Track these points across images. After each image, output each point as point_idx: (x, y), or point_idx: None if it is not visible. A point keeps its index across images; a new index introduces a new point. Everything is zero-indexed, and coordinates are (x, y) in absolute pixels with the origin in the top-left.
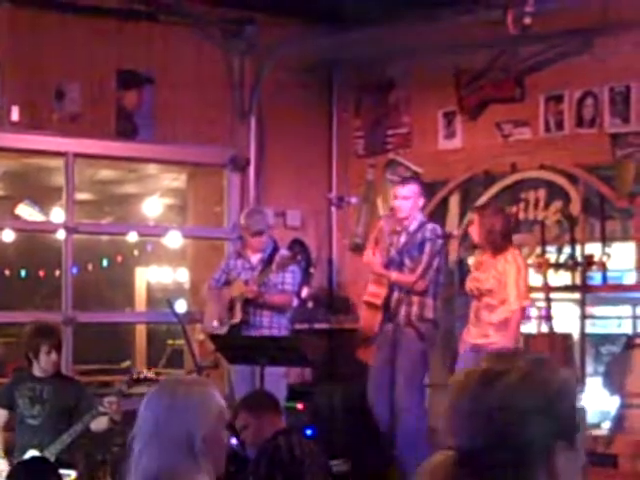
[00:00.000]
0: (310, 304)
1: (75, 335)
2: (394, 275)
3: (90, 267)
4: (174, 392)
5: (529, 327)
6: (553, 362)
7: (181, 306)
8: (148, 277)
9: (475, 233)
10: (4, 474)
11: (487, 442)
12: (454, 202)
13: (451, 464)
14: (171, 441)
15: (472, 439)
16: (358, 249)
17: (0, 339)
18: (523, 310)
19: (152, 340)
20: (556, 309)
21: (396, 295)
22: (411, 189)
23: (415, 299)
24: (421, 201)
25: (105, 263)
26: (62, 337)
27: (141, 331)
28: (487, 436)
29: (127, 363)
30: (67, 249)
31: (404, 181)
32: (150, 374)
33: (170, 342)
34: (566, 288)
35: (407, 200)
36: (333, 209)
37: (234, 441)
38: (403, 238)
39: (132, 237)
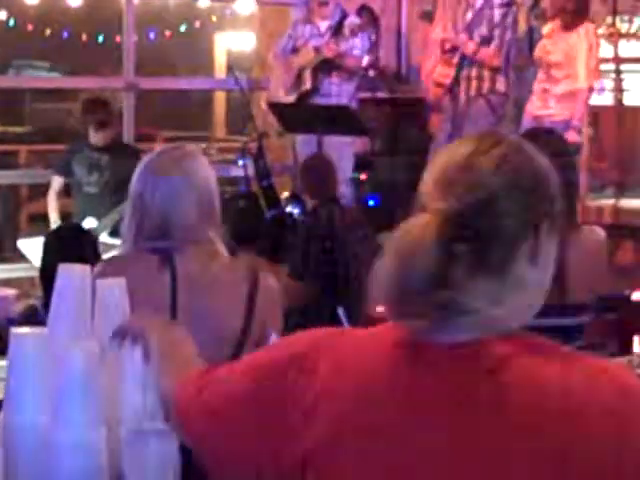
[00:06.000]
0: (371, 72)
1: (152, 101)
2: (471, 46)
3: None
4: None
5: (598, 99)
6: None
7: (244, 73)
8: (226, 44)
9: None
10: None
11: (473, 208)
12: None
13: (431, 223)
14: None
15: (459, 203)
16: (428, 18)
17: (61, 105)
18: (591, 89)
19: (231, 107)
20: (627, 81)
21: (466, 72)
22: None
23: (486, 74)
24: None
25: (183, 29)
26: (113, 110)
27: (220, 99)
28: (473, 203)
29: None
30: (129, 13)
31: None
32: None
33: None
34: (637, 60)
35: None
36: None
37: (292, 209)
38: (469, 14)
39: (204, 2)
